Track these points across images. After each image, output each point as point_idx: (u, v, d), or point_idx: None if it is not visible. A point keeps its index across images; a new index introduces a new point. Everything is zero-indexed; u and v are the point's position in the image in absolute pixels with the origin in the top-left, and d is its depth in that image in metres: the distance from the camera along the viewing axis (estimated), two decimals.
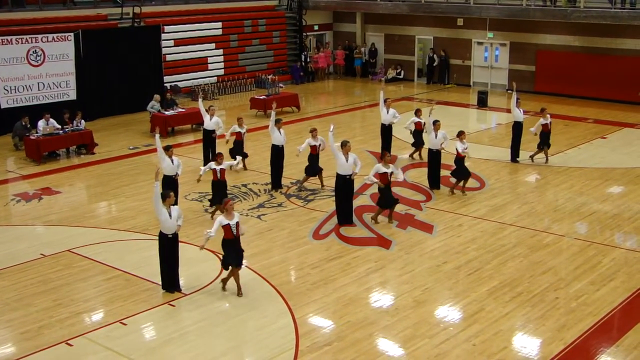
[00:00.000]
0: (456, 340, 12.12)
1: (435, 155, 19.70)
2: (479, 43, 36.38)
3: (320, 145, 19.81)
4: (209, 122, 21.67)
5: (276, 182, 20.25)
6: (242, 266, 13.97)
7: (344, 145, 17.20)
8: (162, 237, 13.81)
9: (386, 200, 17.42)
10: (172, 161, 17.21)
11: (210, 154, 21.45)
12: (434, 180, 19.91)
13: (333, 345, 12.00)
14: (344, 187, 17.31)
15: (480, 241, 16.42)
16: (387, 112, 22.38)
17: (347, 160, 17.06)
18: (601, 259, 15.36)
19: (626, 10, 30.13)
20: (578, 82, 32.77)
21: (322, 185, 20.11)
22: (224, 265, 13.84)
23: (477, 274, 14.71)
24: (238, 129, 21.49)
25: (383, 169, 17.13)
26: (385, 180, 17.15)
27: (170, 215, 13.67)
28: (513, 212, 18.26)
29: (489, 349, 11.84)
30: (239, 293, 13.78)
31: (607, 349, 11.85)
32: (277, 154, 20.11)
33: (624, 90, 31.60)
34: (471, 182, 20.11)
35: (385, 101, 22.37)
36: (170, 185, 16.86)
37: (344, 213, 17.50)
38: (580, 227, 17.35)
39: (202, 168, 18.37)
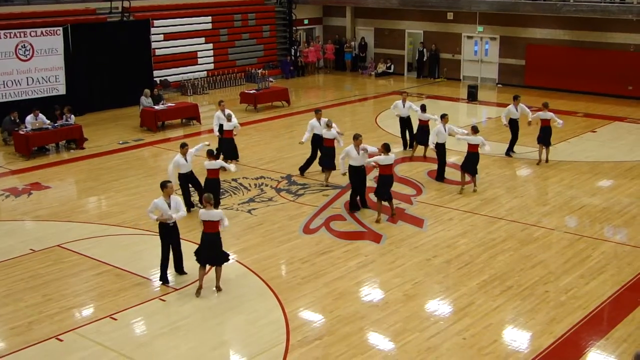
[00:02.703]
0: (446, 334, 12.15)
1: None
2: (469, 37, 36.40)
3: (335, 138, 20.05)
4: (224, 117, 21.61)
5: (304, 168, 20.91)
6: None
7: (356, 139, 17.66)
8: (162, 226, 13.93)
9: (386, 190, 17.52)
10: (186, 159, 17.26)
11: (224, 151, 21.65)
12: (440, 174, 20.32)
13: (324, 340, 12.01)
14: (357, 175, 17.72)
15: (470, 235, 16.46)
16: (404, 105, 22.89)
17: (358, 153, 17.57)
18: (591, 252, 15.42)
19: (616, 5, 30.22)
20: (568, 76, 32.84)
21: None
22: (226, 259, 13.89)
23: (467, 267, 14.74)
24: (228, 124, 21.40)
25: (385, 161, 17.34)
26: (389, 171, 17.41)
27: (169, 206, 13.81)
28: (503, 206, 18.29)
29: (479, 342, 11.87)
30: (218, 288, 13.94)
31: (596, 342, 11.89)
32: (317, 142, 20.60)
33: (614, 84, 31.70)
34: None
35: (402, 94, 23.54)
36: (187, 181, 17.47)
37: (358, 200, 18.04)
38: (570, 220, 17.40)
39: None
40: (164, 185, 13.94)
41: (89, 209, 19.01)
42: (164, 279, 14.19)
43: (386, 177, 17.31)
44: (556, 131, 24.03)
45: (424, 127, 22.18)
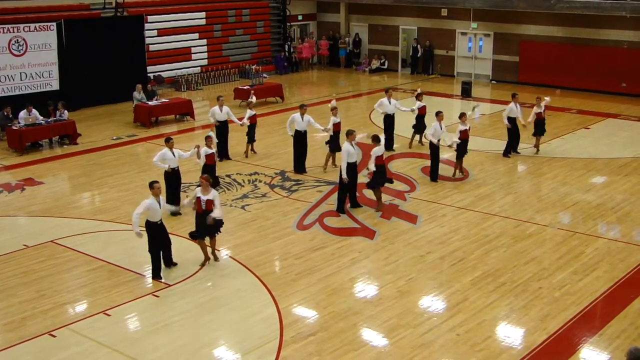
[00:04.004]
0: (440, 330, 12.16)
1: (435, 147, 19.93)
2: (463, 33, 36.43)
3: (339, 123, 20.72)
4: (220, 114, 21.79)
5: (298, 166, 20.92)
6: (207, 237, 14.56)
7: (350, 134, 17.58)
8: (151, 225, 13.99)
9: (381, 178, 17.64)
10: (173, 153, 17.25)
11: (222, 144, 21.86)
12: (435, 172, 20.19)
13: (317, 336, 12.01)
14: (351, 172, 17.55)
15: (464, 231, 16.47)
16: (390, 102, 22.75)
17: (353, 148, 17.55)
18: (584, 248, 15.44)
19: (609, 1, 30.23)
20: (561, 72, 32.88)
21: (334, 165, 20.80)
22: (192, 236, 14.57)
23: (461, 264, 14.75)
24: (252, 113, 21.96)
25: (379, 152, 17.50)
26: (381, 161, 17.54)
27: (160, 205, 13.97)
28: (497, 202, 18.31)
29: (473, 338, 11.88)
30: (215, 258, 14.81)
31: (589, 338, 11.91)
32: (299, 139, 20.82)
33: (607, 80, 31.76)
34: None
35: (387, 92, 23.10)
36: (173, 178, 17.36)
37: (351, 199, 17.89)
38: (564, 217, 17.42)
39: (192, 151, 18.03)
40: (150, 185, 14.05)
41: (82, 204, 18.96)
42: (157, 275, 14.20)
43: (381, 167, 17.56)
44: (551, 127, 24.10)
45: (423, 116, 22.78)
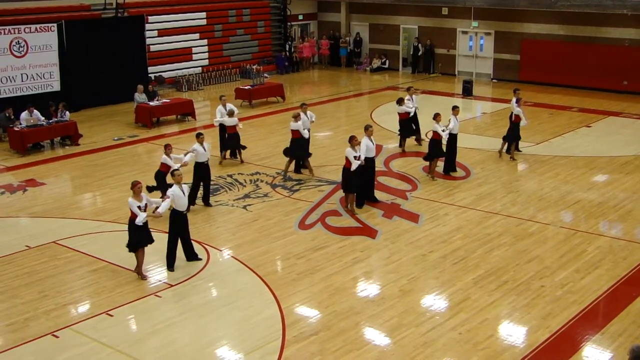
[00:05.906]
0: (442, 329, 12.16)
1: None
2: (464, 32, 36.40)
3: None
4: (225, 112, 21.65)
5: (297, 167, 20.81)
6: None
7: (367, 129, 17.80)
8: (176, 213, 14.33)
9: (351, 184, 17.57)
10: (204, 148, 17.63)
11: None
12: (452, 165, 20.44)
13: (319, 335, 12.01)
14: (371, 168, 17.86)
15: (465, 230, 16.46)
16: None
17: (373, 143, 17.77)
18: (586, 247, 15.44)
19: None
20: (563, 70, 32.87)
21: (310, 171, 20.57)
22: (132, 247, 14.20)
23: (463, 263, 14.75)
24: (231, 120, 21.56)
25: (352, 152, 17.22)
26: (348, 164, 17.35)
27: (183, 192, 14.31)
28: (498, 201, 18.31)
29: (475, 337, 11.88)
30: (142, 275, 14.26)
31: (592, 337, 11.90)
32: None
33: (609, 78, 31.73)
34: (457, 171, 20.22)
35: (409, 90, 23.26)
36: (204, 170, 17.74)
37: (367, 192, 18.03)
38: (566, 215, 17.42)
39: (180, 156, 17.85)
40: (172, 173, 14.62)
41: (84, 205, 18.97)
42: (171, 265, 14.51)
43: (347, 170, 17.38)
44: (552, 126, 24.12)
45: (406, 120, 22.70)
